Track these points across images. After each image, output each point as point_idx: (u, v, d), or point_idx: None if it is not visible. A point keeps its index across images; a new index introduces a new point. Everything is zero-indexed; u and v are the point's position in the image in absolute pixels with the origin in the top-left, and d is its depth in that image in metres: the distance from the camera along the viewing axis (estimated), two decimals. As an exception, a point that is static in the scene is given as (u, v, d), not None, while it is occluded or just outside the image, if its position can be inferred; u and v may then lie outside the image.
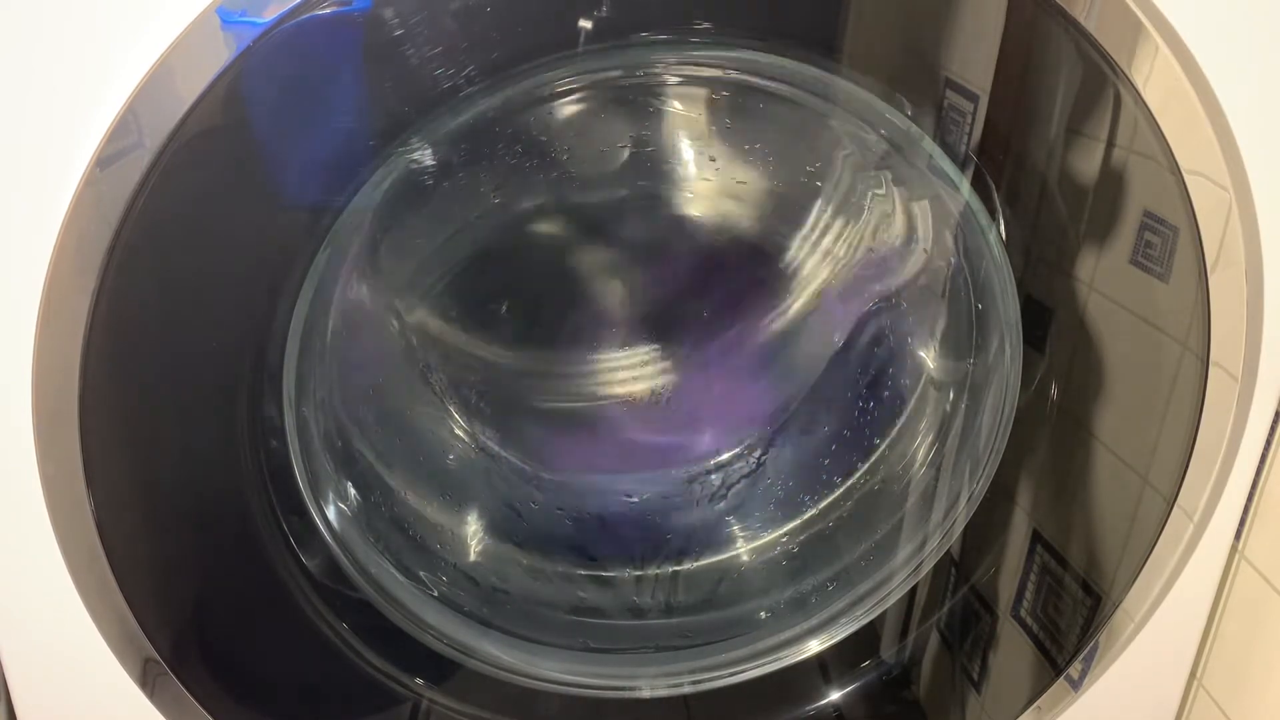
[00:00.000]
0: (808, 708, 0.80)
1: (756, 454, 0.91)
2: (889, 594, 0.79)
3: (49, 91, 0.53)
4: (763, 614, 0.83)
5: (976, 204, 0.67)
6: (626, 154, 0.82)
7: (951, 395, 0.80)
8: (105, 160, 0.54)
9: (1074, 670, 0.76)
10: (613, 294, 0.90)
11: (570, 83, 0.72)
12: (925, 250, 0.80)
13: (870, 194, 0.83)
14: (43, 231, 0.55)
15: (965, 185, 0.66)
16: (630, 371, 0.92)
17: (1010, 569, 0.77)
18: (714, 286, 0.91)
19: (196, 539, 0.65)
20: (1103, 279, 0.66)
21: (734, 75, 0.71)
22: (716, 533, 0.89)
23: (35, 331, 0.57)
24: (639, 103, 0.79)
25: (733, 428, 0.92)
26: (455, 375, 0.89)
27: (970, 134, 0.63)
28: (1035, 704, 0.77)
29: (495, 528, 0.87)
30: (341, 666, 0.71)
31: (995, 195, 0.66)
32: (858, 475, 0.86)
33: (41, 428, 0.59)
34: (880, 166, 0.77)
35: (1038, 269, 0.68)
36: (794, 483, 0.89)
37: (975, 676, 0.79)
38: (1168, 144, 0.62)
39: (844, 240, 0.87)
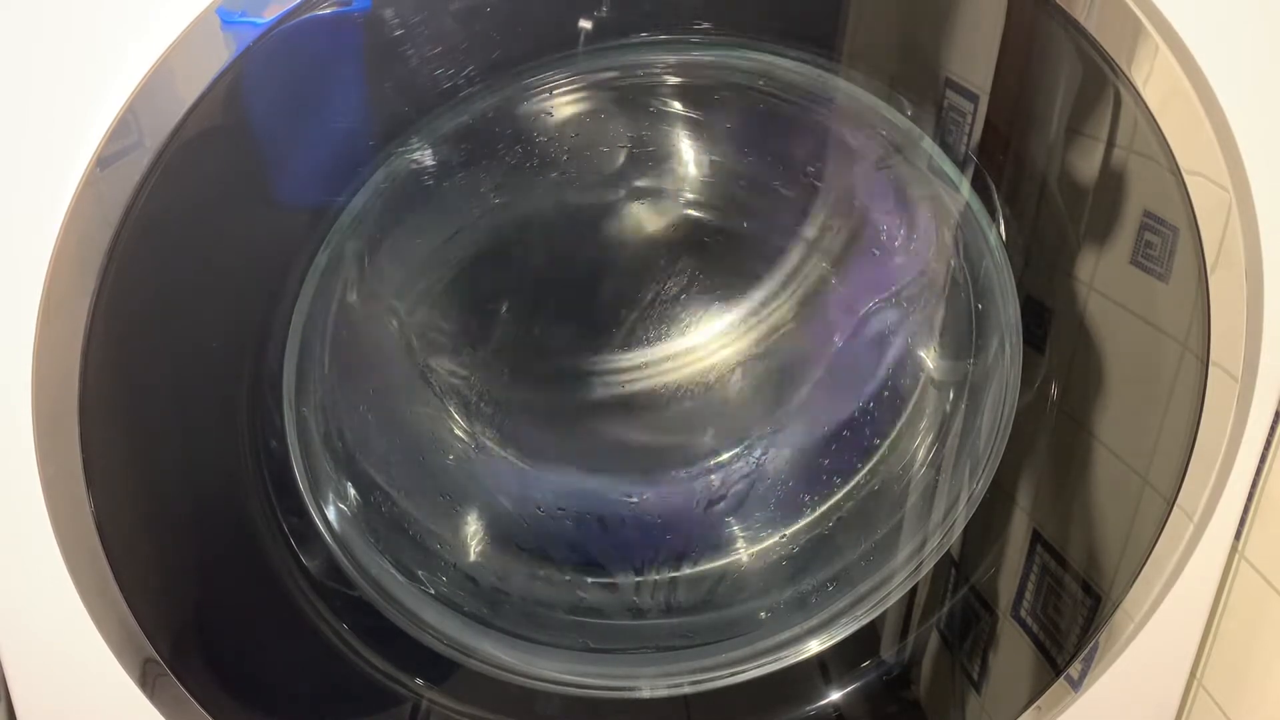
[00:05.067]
0: (808, 708, 0.80)
1: (756, 454, 0.91)
2: (889, 594, 0.79)
3: (49, 91, 0.53)
4: (763, 614, 0.83)
5: (976, 204, 0.67)
6: (626, 154, 0.82)
7: (951, 395, 0.80)
8: (105, 160, 0.54)
9: (1074, 670, 0.76)
10: (612, 294, 0.90)
11: (570, 83, 0.72)
12: (925, 250, 0.80)
13: (870, 194, 0.83)
14: (43, 231, 0.55)
15: (965, 185, 0.66)
16: (630, 372, 0.92)
17: (1010, 569, 0.77)
18: (714, 287, 0.91)
19: (196, 539, 0.65)
20: (1103, 279, 0.66)
21: (734, 75, 0.71)
22: (716, 533, 0.89)
23: (35, 331, 0.57)
24: (639, 103, 0.79)
25: (733, 428, 0.92)
26: (455, 375, 0.89)
27: (970, 134, 0.63)
28: (1035, 704, 0.77)
29: (495, 528, 0.87)
30: (341, 667, 0.71)
31: (995, 195, 0.66)
32: (858, 475, 0.86)
33: (41, 428, 0.58)
34: (880, 166, 0.77)
35: (1038, 269, 0.68)
36: (794, 483, 0.89)
37: (975, 676, 0.79)
38: (1168, 144, 0.62)
39: (843, 240, 0.87)
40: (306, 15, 0.53)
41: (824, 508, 0.87)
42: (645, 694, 0.79)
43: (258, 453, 0.64)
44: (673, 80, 0.76)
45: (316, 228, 0.60)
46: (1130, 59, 0.60)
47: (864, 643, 0.80)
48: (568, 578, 0.85)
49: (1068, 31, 0.59)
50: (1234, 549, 0.76)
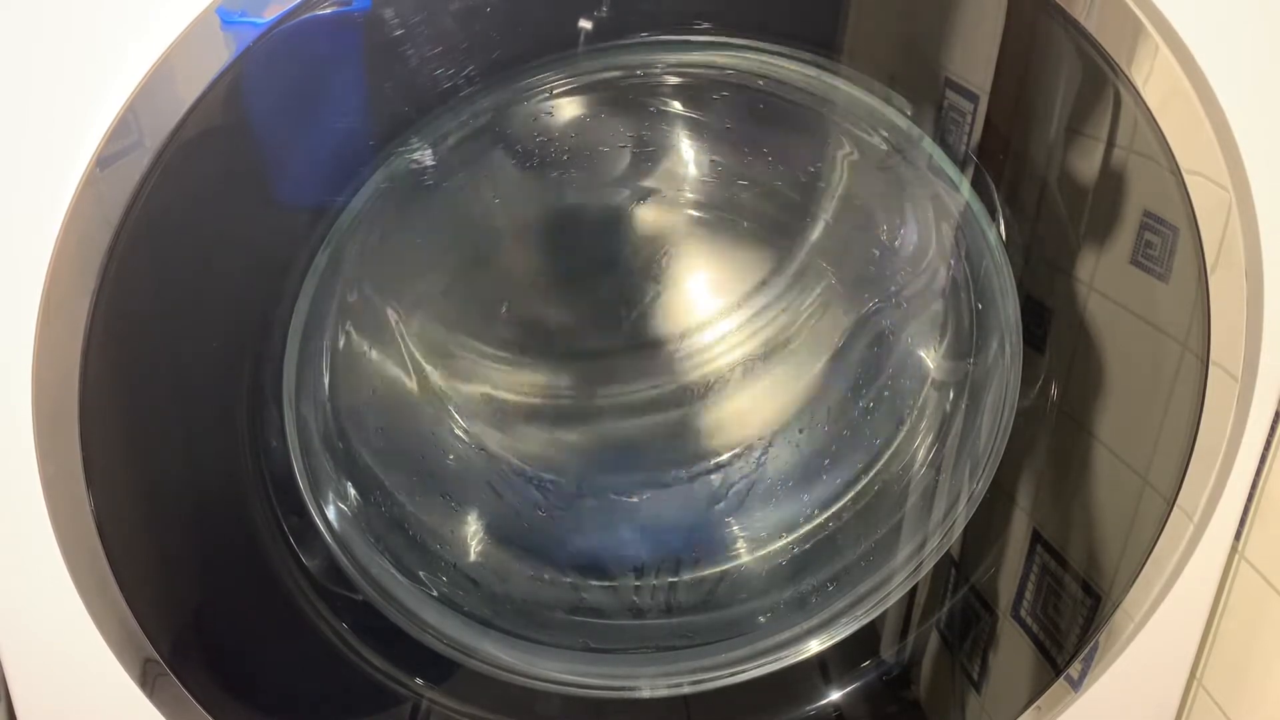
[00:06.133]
0: (808, 708, 0.80)
1: (757, 454, 0.91)
2: (889, 594, 0.79)
3: (49, 91, 0.53)
4: (763, 614, 0.83)
5: (976, 204, 0.67)
6: (627, 154, 0.82)
7: (951, 395, 0.80)
8: (105, 160, 0.54)
9: (1074, 670, 0.76)
10: (612, 295, 0.90)
11: (570, 83, 0.72)
12: (925, 250, 0.80)
13: (870, 194, 0.83)
14: (43, 231, 0.55)
15: (965, 185, 0.66)
16: (630, 372, 0.92)
17: (1010, 569, 0.77)
18: (714, 287, 0.91)
19: (196, 539, 0.65)
20: (1103, 279, 0.66)
21: (734, 75, 0.71)
22: (717, 533, 0.89)
23: (35, 331, 0.57)
24: (639, 103, 0.79)
25: (733, 428, 0.92)
26: (455, 375, 0.89)
27: (970, 134, 0.63)
28: (1035, 704, 0.77)
29: (495, 528, 0.87)
30: (341, 667, 0.71)
31: (995, 195, 0.66)
32: (858, 475, 0.86)
33: (41, 428, 0.58)
34: (880, 167, 0.77)
35: (1038, 269, 0.68)
36: (794, 483, 0.89)
37: (975, 676, 0.79)
38: (1168, 144, 0.62)
39: (844, 240, 0.87)
40: (306, 15, 0.53)
41: (824, 508, 0.87)
42: (645, 694, 0.79)
43: (258, 452, 0.64)
44: (673, 80, 0.76)
45: (316, 228, 0.60)
46: (1130, 59, 0.60)
47: (864, 643, 0.80)
48: (568, 578, 0.85)
49: (1068, 31, 0.59)
50: (1234, 549, 0.76)
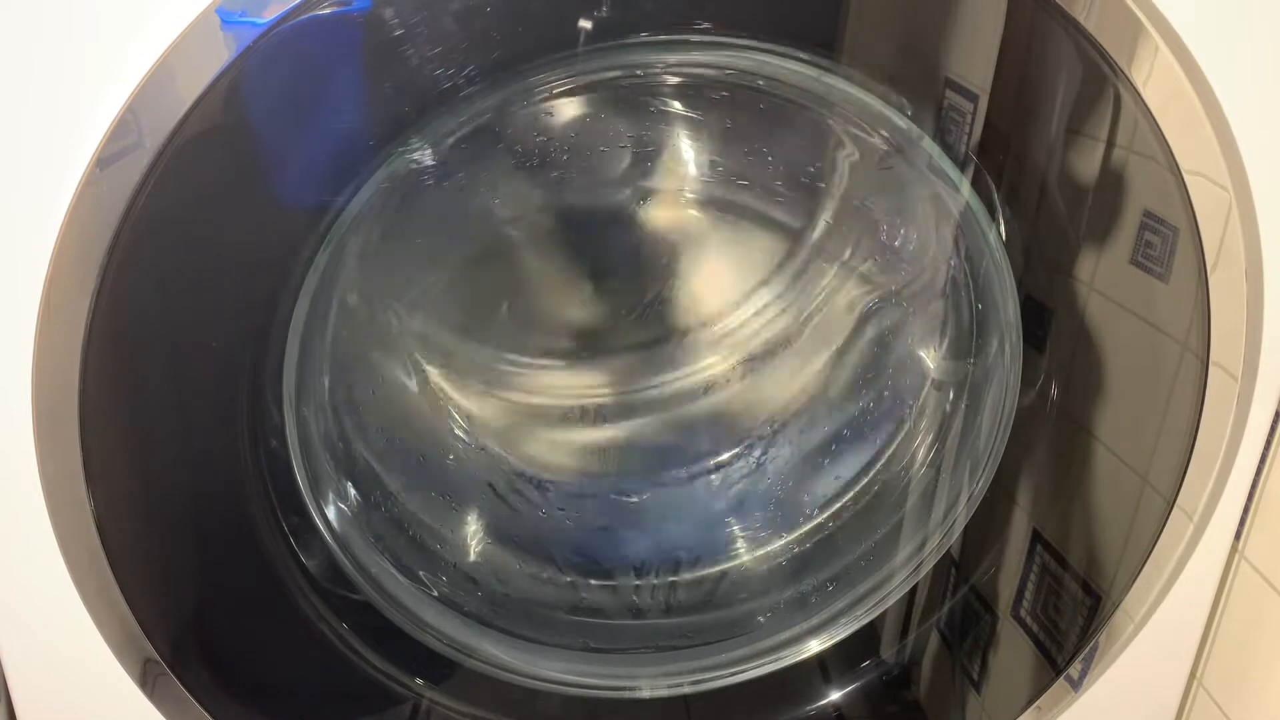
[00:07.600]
0: (808, 708, 0.80)
1: (757, 454, 0.91)
2: (889, 594, 0.79)
3: (49, 91, 0.53)
4: (763, 614, 0.83)
5: (976, 204, 0.67)
6: (626, 154, 0.82)
7: (951, 395, 0.80)
8: (105, 160, 0.54)
9: (1074, 670, 0.76)
10: (612, 295, 0.90)
11: (570, 83, 0.72)
12: (925, 250, 0.80)
13: (870, 194, 0.83)
14: (43, 231, 0.55)
15: (965, 185, 0.66)
16: (630, 372, 0.92)
17: (1010, 569, 0.77)
18: (714, 288, 0.91)
19: (196, 539, 0.65)
20: (1103, 279, 0.66)
21: (734, 75, 0.71)
22: (716, 533, 0.89)
23: (35, 331, 0.57)
24: (639, 103, 0.79)
25: (733, 428, 0.92)
26: (455, 375, 0.89)
27: (970, 134, 0.63)
28: (1035, 704, 0.77)
29: (495, 528, 0.87)
30: (341, 666, 0.71)
31: (995, 195, 0.66)
32: (858, 475, 0.86)
33: (41, 428, 0.58)
34: (880, 167, 0.77)
35: (1038, 269, 0.68)
36: (794, 483, 0.89)
37: (975, 676, 0.79)
38: (1168, 144, 0.62)
39: (844, 240, 0.87)
40: (306, 15, 0.53)
41: (824, 508, 0.87)
42: (645, 694, 0.79)
43: (258, 453, 0.64)
44: (673, 80, 0.76)
45: (316, 228, 0.60)
46: (1130, 59, 0.60)
47: (864, 643, 0.80)
48: (568, 578, 0.85)
49: (1068, 31, 0.59)
50: (1234, 549, 0.76)
